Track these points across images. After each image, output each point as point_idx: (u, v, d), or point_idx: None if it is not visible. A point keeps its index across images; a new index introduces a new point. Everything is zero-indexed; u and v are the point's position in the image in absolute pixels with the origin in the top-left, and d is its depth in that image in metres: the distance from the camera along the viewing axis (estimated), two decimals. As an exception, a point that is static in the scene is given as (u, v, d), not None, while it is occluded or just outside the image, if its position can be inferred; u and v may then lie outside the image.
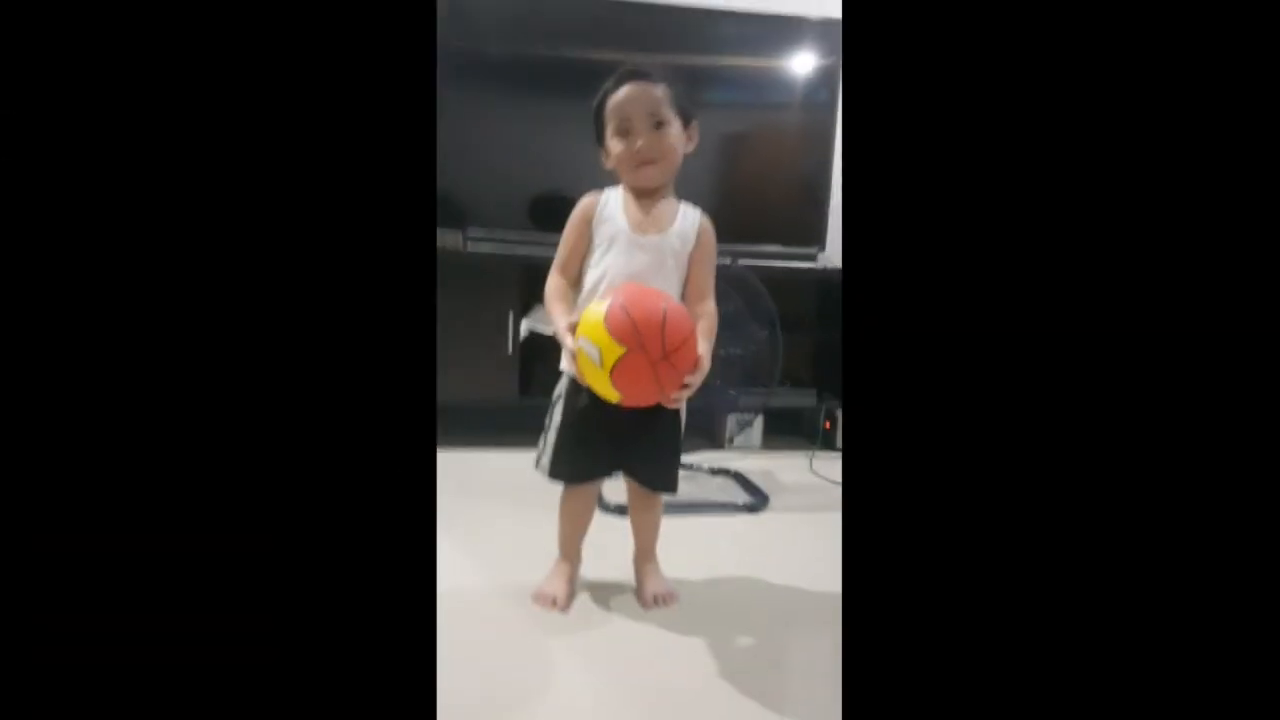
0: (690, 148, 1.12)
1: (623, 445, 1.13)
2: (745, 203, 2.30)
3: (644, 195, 1.12)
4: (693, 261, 1.12)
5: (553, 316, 1.08)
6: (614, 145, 1.09)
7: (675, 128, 1.09)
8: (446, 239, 2.15)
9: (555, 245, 1.14)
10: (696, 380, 1.01)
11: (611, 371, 0.96)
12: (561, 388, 1.16)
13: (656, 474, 1.17)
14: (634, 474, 1.18)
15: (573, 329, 1.01)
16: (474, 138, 2.11)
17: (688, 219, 1.12)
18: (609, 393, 0.99)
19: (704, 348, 1.04)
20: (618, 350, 0.95)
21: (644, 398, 1.00)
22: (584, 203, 1.13)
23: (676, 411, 1.13)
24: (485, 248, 2.12)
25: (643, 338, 0.94)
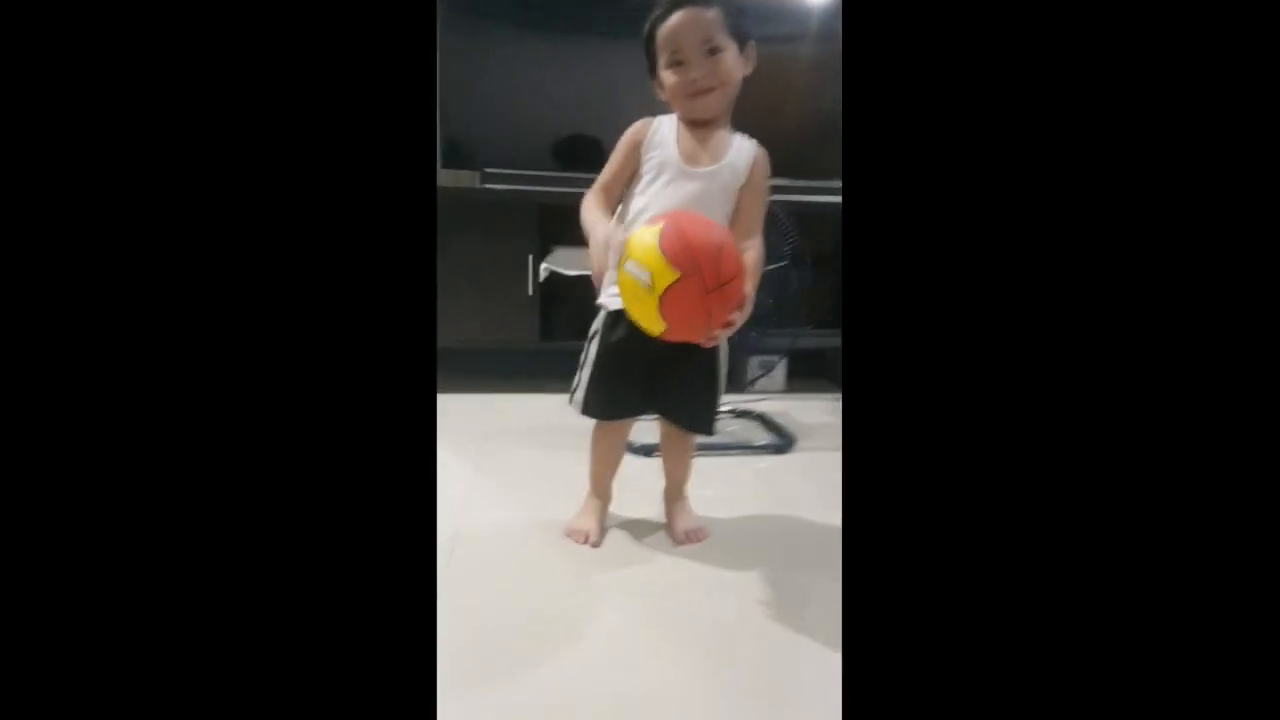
0: (748, 70, 1.07)
1: (659, 385, 1.11)
2: (762, 136, 2.23)
3: (698, 125, 1.07)
4: (743, 195, 1.08)
5: (590, 226, 1.03)
6: (667, 77, 1.04)
7: (731, 52, 1.03)
8: (461, 179, 2.10)
9: (575, 185, 1.11)
10: (740, 320, 0.97)
11: (662, 297, 0.89)
12: (598, 323, 1.13)
13: (694, 416, 1.15)
14: (670, 414, 1.16)
15: (613, 245, 0.96)
16: (487, 73, 2.05)
17: (742, 151, 1.08)
18: (655, 322, 0.93)
19: (749, 286, 1.00)
20: (671, 275, 0.88)
21: (691, 330, 0.95)
22: (636, 127, 1.09)
23: (715, 351, 1.10)
24: (502, 187, 2.06)
25: (700, 263, 0.89)
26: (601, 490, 1.22)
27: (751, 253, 1.05)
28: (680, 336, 0.96)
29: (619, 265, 0.94)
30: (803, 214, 2.16)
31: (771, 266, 1.62)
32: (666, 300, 0.89)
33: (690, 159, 1.06)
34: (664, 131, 1.08)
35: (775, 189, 2.17)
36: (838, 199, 2.23)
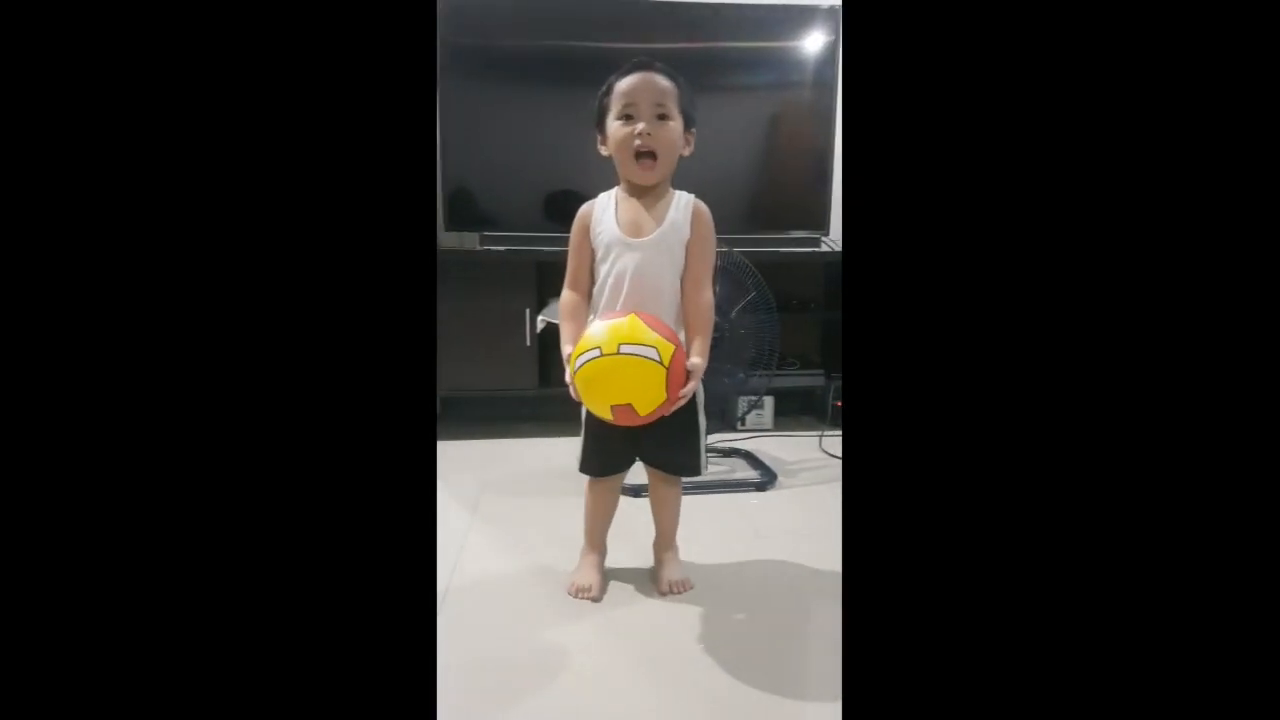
0: (687, 152, 1.14)
1: (645, 436, 1.17)
2: (749, 194, 2.38)
3: (637, 194, 1.13)
4: (689, 251, 1.12)
5: (562, 338, 1.14)
6: (615, 128, 1.09)
7: (678, 124, 1.10)
8: (465, 241, 2.26)
9: (567, 242, 1.17)
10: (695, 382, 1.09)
11: (669, 367, 1.00)
12: None
13: (679, 458, 1.20)
14: (654, 460, 1.21)
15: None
16: (486, 143, 2.21)
17: (680, 209, 1.12)
18: (658, 394, 1.01)
19: (701, 346, 1.09)
20: (669, 346, 1.01)
21: (676, 396, 1.04)
22: (580, 213, 1.16)
23: (694, 397, 1.14)
24: (501, 248, 2.21)
25: (674, 336, 1.04)
26: (597, 543, 1.27)
27: (702, 311, 1.12)
28: (670, 406, 1.05)
29: (604, 355, 1.00)
30: (795, 264, 2.32)
31: (750, 316, 1.75)
32: (671, 369, 1.01)
33: (632, 229, 1.11)
34: (605, 209, 1.13)
35: (764, 242, 2.32)
36: (820, 249, 2.37)
